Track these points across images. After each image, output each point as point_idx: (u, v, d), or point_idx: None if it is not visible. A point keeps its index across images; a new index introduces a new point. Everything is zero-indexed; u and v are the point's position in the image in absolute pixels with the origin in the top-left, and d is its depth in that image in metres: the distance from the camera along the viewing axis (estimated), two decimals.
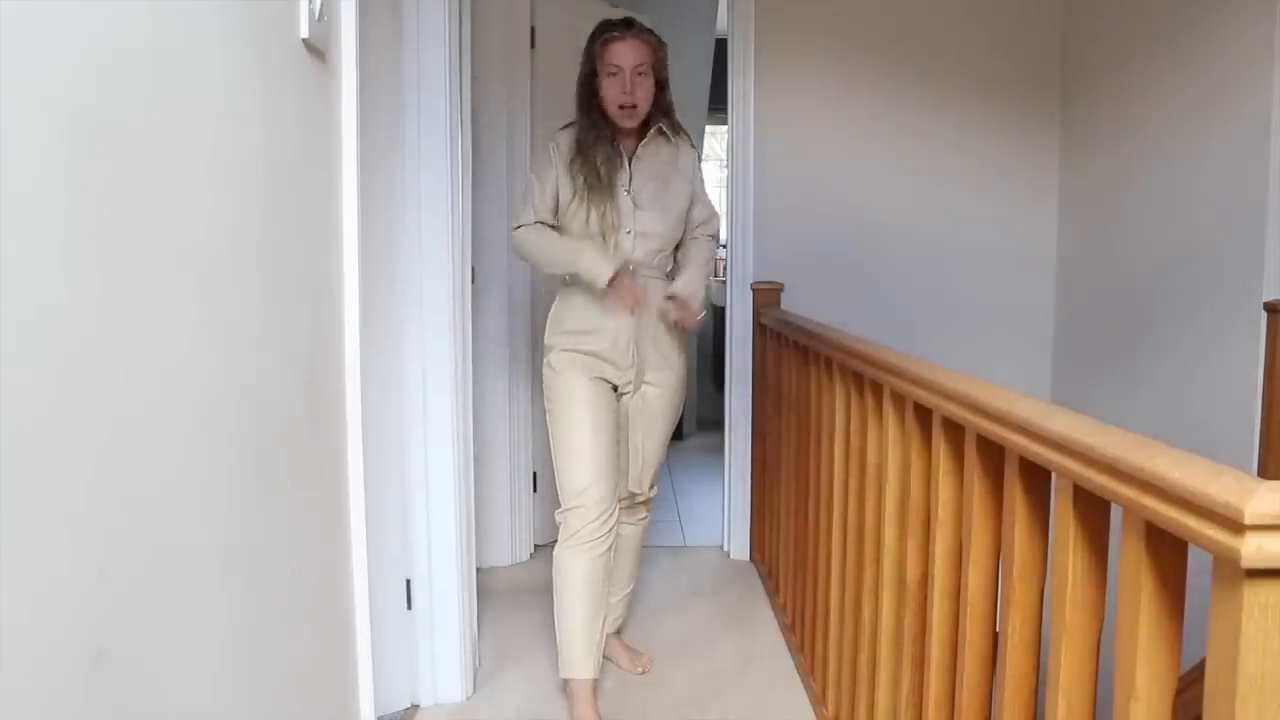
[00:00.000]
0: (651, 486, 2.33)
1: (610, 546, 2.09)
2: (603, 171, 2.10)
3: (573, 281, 2.13)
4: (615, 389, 2.17)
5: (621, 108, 2.09)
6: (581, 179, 2.12)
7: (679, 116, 2.27)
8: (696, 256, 2.26)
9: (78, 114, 0.74)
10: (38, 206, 0.69)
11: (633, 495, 2.29)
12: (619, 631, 2.44)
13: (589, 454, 2.05)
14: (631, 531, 2.34)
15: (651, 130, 2.17)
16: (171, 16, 0.89)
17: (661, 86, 2.17)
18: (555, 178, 2.13)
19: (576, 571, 2.05)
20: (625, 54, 2.09)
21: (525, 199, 2.18)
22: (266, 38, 1.14)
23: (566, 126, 2.19)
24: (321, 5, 1.28)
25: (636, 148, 2.17)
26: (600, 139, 2.12)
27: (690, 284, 2.19)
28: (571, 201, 2.12)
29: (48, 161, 0.70)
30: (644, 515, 2.37)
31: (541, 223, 2.16)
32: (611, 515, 2.08)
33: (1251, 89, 2.43)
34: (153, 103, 0.86)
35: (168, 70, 0.89)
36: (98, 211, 0.76)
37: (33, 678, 0.68)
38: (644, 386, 2.20)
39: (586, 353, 2.12)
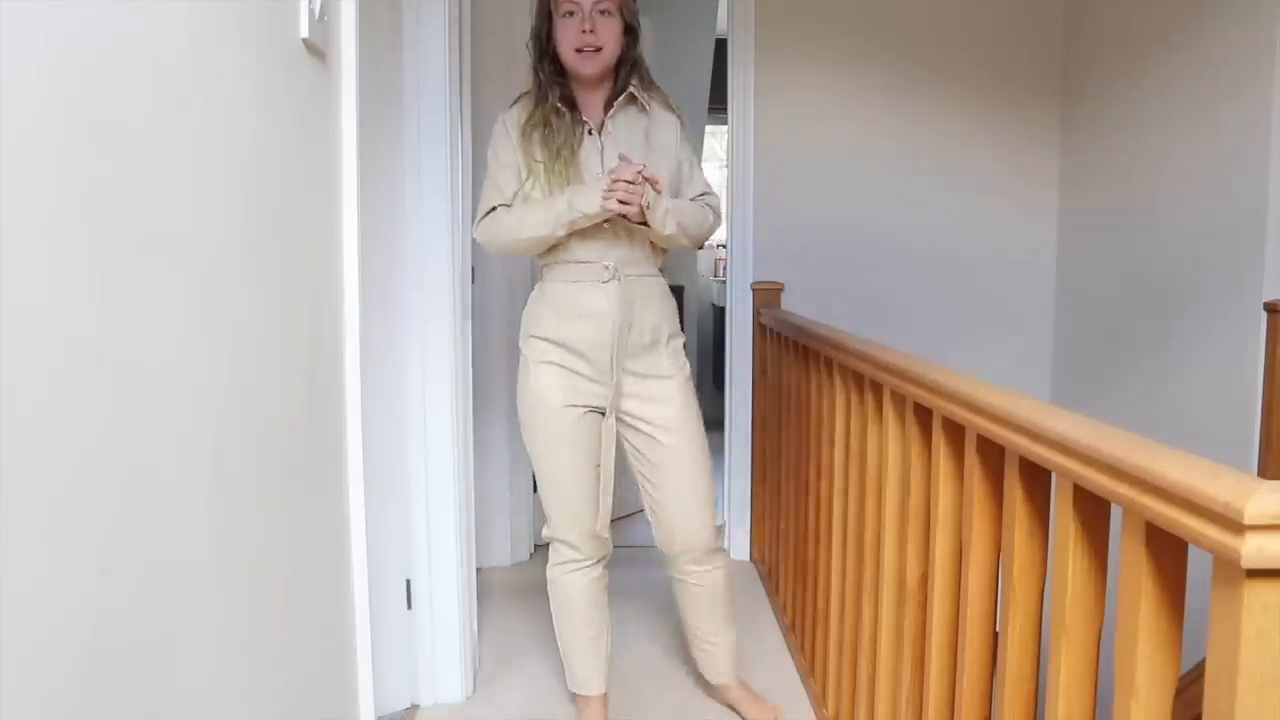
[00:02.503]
0: (715, 529, 2.00)
1: (606, 565, 2.04)
2: (561, 141, 1.82)
3: (564, 248, 1.86)
4: (601, 411, 1.92)
5: (579, 51, 1.80)
6: (538, 154, 1.83)
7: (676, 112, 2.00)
8: (687, 205, 1.91)
9: (77, 114, 0.74)
10: (37, 207, 0.69)
11: (691, 550, 1.96)
12: (733, 683, 2.14)
13: (575, 494, 1.92)
14: (707, 584, 2.01)
15: (621, 96, 1.87)
16: (171, 16, 0.89)
17: (632, 35, 1.87)
18: (514, 157, 1.87)
19: (574, 590, 2.00)
20: None
21: (487, 185, 1.91)
22: (266, 38, 1.14)
23: (517, 100, 1.93)
24: (321, 5, 1.28)
25: (604, 120, 1.87)
26: (556, 105, 1.84)
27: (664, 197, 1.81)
28: (526, 185, 1.85)
29: (47, 162, 0.70)
30: (717, 564, 2.03)
31: (506, 206, 1.88)
32: (605, 541, 1.99)
33: (1252, 89, 2.43)
34: (152, 103, 0.86)
35: (167, 70, 0.89)
36: (96, 212, 0.76)
37: (33, 678, 0.68)
38: (650, 437, 1.91)
39: (562, 367, 1.89)
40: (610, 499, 1.95)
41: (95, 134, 0.76)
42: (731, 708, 2.15)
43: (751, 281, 3.18)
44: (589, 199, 1.77)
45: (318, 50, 1.31)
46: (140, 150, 0.84)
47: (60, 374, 0.71)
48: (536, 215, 1.82)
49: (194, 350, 0.94)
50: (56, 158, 0.71)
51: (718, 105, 3.94)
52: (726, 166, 3.41)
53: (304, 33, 1.24)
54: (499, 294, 2.99)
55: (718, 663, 2.10)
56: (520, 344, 1.97)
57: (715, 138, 5.90)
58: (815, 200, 3.35)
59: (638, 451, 1.95)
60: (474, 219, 1.94)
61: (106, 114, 0.78)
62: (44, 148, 0.70)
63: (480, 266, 2.77)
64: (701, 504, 1.95)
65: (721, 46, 3.88)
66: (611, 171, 1.77)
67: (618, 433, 1.93)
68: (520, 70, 3.00)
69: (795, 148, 3.33)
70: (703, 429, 1.98)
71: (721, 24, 4.42)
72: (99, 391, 0.77)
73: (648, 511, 1.99)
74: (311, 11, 1.25)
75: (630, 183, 1.74)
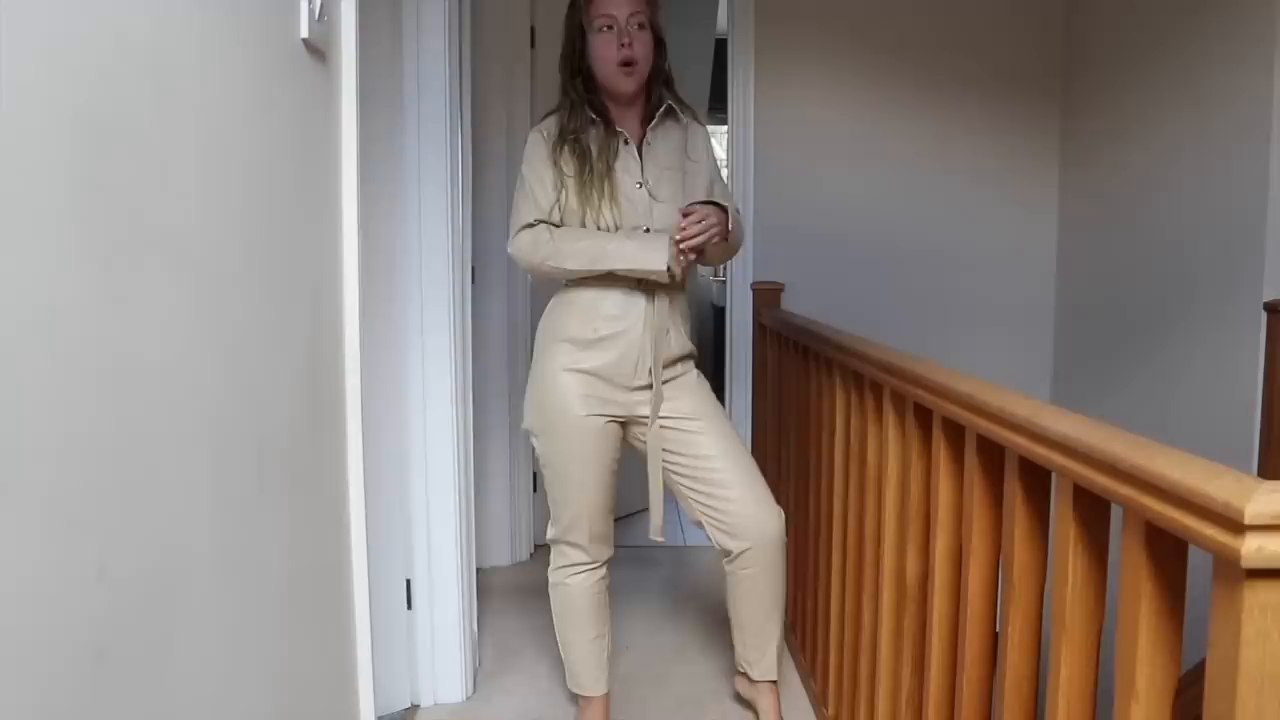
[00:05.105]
0: (781, 516, 1.89)
1: (608, 567, 2.03)
2: (594, 155, 1.81)
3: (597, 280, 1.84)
4: (622, 420, 1.90)
5: (620, 65, 1.78)
6: (574, 169, 1.81)
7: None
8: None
9: (77, 114, 0.74)
10: (37, 207, 0.69)
11: (762, 541, 1.87)
12: (774, 682, 2.05)
13: (589, 499, 1.90)
14: (776, 573, 1.92)
15: (660, 111, 1.87)
16: (171, 16, 0.89)
17: (661, 48, 1.86)
18: (549, 171, 1.84)
19: (578, 593, 1.99)
20: (617, 1, 1.78)
21: (523, 199, 1.87)
22: (266, 38, 1.14)
23: (548, 115, 1.90)
24: (321, 5, 1.28)
25: (645, 132, 1.86)
26: (590, 119, 1.82)
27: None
28: (563, 198, 1.82)
29: (47, 162, 0.70)
30: (782, 553, 1.91)
31: (546, 222, 1.84)
32: (609, 545, 1.99)
33: (1252, 89, 2.43)
34: (152, 103, 0.86)
35: (167, 70, 0.89)
36: (97, 211, 0.76)
37: (33, 678, 0.68)
38: (678, 431, 1.88)
39: (587, 372, 1.84)
40: (661, 508, 1.93)
41: (94, 133, 0.76)
42: (751, 704, 2.12)
43: (751, 281, 3.18)
44: (654, 258, 1.75)
45: (318, 50, 1.31)
46: (140, 150, 0.84)
47: (59, 374, 0.71)
48: (583, 252, 1.80)
49: (193, 350, 0.94)
50: (56, 157, 0.71)
51: (718, 105, 3.95)
52: (726, 166, 3.41)
53: (304, 33, 1.24)
54: (499, 294, 2.99)
55: (768, 658, 2.01)
56: (537, 350, 1.93)
57: (715, 138, 5.91)
58: (815, 200, 3.35)
59: (672, 454, 1.89)
60: (510, 232, 1.89)
61: (106, 114, 0.78)
62: (44, 148, 0.69)
63: (480, 267, 2.77)
64: (761, 492, 1.88)
65: (721, 46, 3.88)
66: (681, 229, 1.77)
67: (650, 450, 1.91)
68: (518, 69, 3.01)
69: (795, 148, 3.33)
70: (727, 418, 1.93)
71: (721, 24, 4.43)
72: (98, 391, 0.77)
73: (703, 521, 1.90)
74: (311, 11, 1.25)
75: (699, 224, 1.76)
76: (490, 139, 2.92)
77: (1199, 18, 2.66)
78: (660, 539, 1.97)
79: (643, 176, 1.84)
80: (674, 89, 1.91)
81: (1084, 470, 0.95)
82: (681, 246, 1.77)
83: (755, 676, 2.05)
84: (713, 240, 1.80)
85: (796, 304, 3.02)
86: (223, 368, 1.01)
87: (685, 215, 1.78)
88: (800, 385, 2.36)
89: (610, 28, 1.79)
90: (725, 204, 1.86)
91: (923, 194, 3.39)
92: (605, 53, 1.79)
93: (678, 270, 1.80)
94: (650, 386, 1.87)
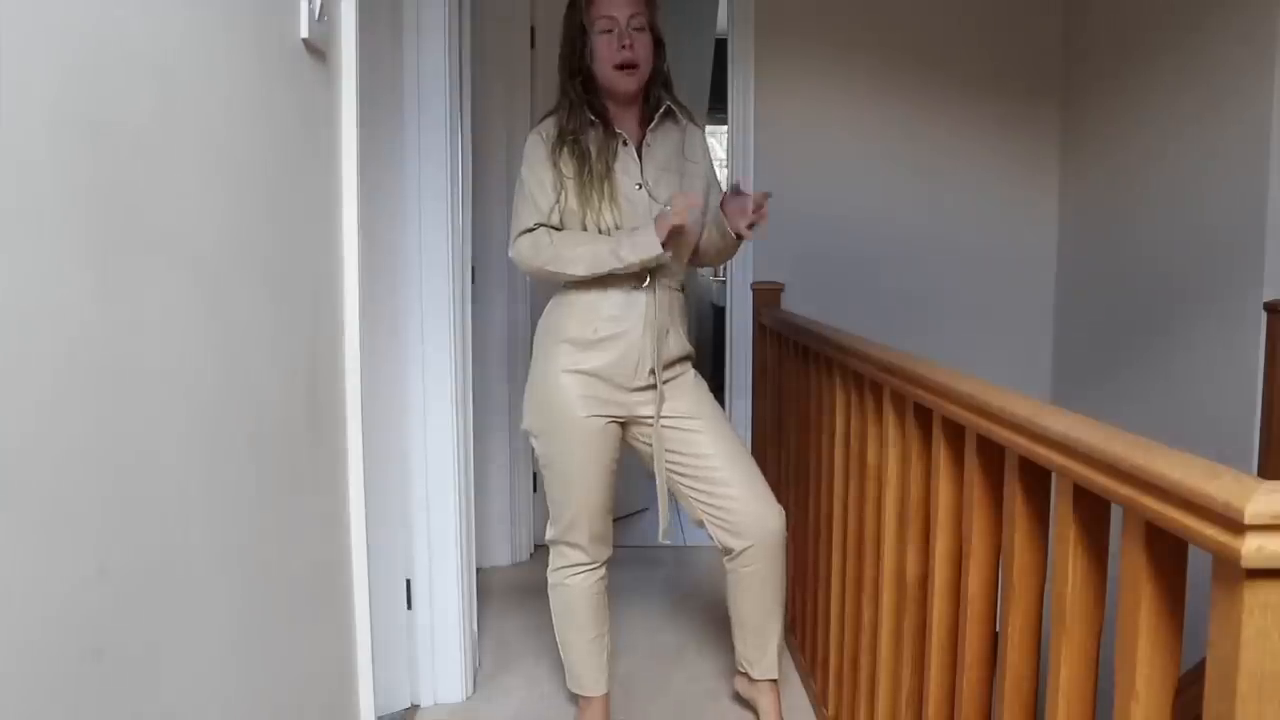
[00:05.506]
0: (782, 515, 1.91)
1: (607, 566, 2.03)
2: (594, 156, 1.80)
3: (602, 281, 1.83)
4: (622, 420, 1.90)
5: (619, 67, 1.79)
6: (573, 170, 1.81)
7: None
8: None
9: (76, 114, 0.74)
10: (37, 207, 0.69)
11: (764, 538, 1.88)
12: (775, 681, 2.05)
13: (589, 499, 1.90)
14: (774, 571, 1.93)
15: (659, 113, 1.87)
16: (171, 16, 0.89)
17: (661, 48, 1.86)
18: (549, 172, 1.83)
19: (578, 593, 1.99)
20: (617, 3, 1.79)
21: (522, 203, 1.86)
22: (266, 38, 1.14)
23: (546, 116, 1.90)
24: (321, 5, 1.28)
25: (645, 134, 1.87)
26: (589, 120, 1.82)
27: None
28: (563, 200, 1.82)
29: (47, 162, 0.70)
30: (782, 551, 1.92)
31: (546, 226, 1.84)
32: (609, 546, 1.99)
33: (1252, 89, 2.43)
34: (152, 103, 0.86)
35: (167, 70, 0.89)
36: (97, 212, 0.76)
37: (32, 678, 0.68)
38: (678, 430, 1.89)
39: (587, 373, 1.85)
40: (668, 510, 1.93)
41: (95, 134, 0.76)
42: (751, 704, 2.11)
43: (751, 281, 3.18)
44: (648, 244, 1.74)
45: (318, 50, 1.31)
46: (140, 150, 0.84)
47: (59, 373, 0.71)
48: (582, 258, 1.80)
49: (192, 350, 0.94)
50: (56, 157, 0.71)
51: (718, 105, 3.95)
52: (726, 166, 3.41)
53: (304, 33, 1.24)
54: (499, 294, 2.99)
55: (769, 656, 2.01)
56: (536, 351, 1.93)
57: (715, 138, 5.91)
58: (815, 200, 3.35)
59: (672, 453, 1.90)
60: (510, 236, 1.89)
61: (106, 114, 0.78)
62: (44, 148, 0.70)
63: (480, 267, 2.77)
64: (761, 489, 1.90)
65: (721, 46, 3.88)
66: (666, 207, 1.77)
67: (650, 450, 1.92)
68: (518, 69, 3.01)
69: (795, 148, 3.33)
70: (725, 417, 1.95)
71: (721, 24, 4.43)
72: (98, 390, 0.77)
73: (705, 519, 1.91)
74: (311, 12, 1.25)
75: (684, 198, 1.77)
76: (490, 138, 2.92)
77: (1199, 17, 2.66)
78: (668, 541, 1.98)
79: (642, 178, 1.85)
80: (672, 90, 1.92)
81: (1084, 470, 0.95)
82: (674, 222, 1.74)
83: (756, 675, 2.05)
84: (698, 220, 1.84)
85: (796, 304, 3.02)
86: (222, 367, 1.01)
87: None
88: (800, 385, 2.36)
89: (611, 29, 1.79)
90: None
91: (922, 194, 3.39)
92: (606, 54, 1.80)
93: (665, 236, 1.75)
94: (650, 387, 1.88)
